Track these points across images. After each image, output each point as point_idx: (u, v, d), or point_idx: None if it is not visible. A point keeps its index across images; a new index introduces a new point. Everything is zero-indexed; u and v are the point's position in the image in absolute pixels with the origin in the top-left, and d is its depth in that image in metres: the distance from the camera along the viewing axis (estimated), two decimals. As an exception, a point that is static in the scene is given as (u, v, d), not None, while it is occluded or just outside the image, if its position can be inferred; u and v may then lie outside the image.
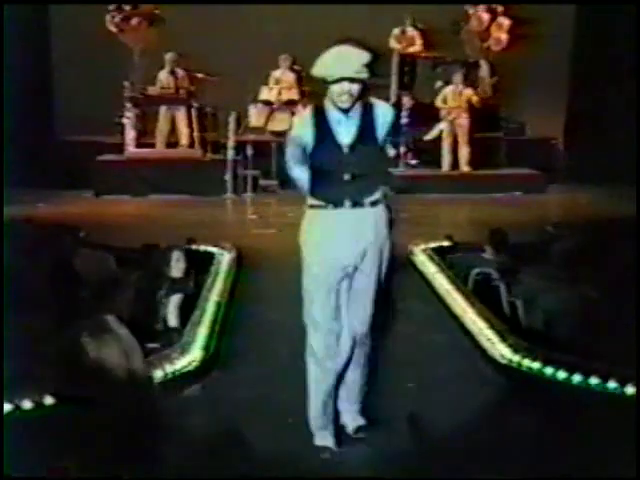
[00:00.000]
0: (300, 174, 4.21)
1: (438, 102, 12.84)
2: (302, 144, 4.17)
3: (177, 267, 6.25)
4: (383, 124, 4.27)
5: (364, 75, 4.12)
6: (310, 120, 4.23)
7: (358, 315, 4.33)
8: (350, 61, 4.10)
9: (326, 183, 4.20)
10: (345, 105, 4.15)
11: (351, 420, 4.46)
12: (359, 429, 4.43)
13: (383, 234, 4.29)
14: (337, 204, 4.20)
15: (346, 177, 4.18)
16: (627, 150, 12.37)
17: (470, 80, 13.25)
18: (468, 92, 12.83)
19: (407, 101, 12.75)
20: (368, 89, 4.21)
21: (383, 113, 4.28)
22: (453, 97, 12.78)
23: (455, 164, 12.73)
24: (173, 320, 5.96)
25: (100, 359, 2.24)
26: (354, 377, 4.44)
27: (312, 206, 4.27)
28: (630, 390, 4.63)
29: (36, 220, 8.86)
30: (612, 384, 4.69)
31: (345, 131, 4.21)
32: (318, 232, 4.26)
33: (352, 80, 4.10)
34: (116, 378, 2.23)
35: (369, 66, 4.11)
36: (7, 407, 4.37)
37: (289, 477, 3.98)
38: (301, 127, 4.27)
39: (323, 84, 4.18)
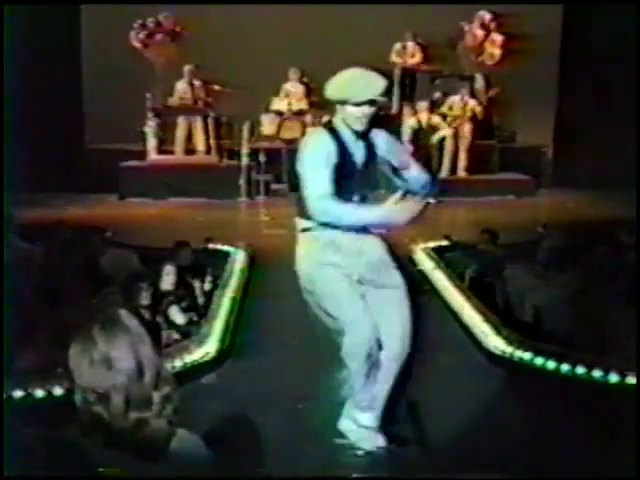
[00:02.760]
0: (342, 207, 3.72)
1: (445, 109, 12.82)
2: (331, 163, 3.74)
3: (167, 280, 6.11)
4: (385, 145, 3.96)
5: (384, 99, 3.81)
6: (330, 140, 3.80)
7: (388, 331, 3.91)
8: (376, 84, 3.76)
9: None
10: (362, 127, 3.81)
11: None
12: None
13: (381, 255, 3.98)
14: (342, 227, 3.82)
15: (355, 198, 3.87)
16: (610, 157, 12.37)
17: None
18: (472, 103, 12.81)
19: (408, 111, 12.72)
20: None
21: (382, 136, 3.96)
22: (459, 106, 12.75)
23: (453, 170, 12.70)
24: (179, 319, 5.91)
25: (108, 351, 2.23)
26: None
27: (306, 229, 3.96)
28: (613, 378, 4.64)
29: (67, 222, 8.87)
30: (597, 373, 4.71)
31: (358, 151, 3.87)
32: (321, 254, 3.91)
33: (372, 103, 3.76)
34: (122, 369, 2.22)
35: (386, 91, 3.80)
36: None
37: (289, 477, 3.97)
38: (325, 146, 3.78)
39: (335, 104, 3.80)
